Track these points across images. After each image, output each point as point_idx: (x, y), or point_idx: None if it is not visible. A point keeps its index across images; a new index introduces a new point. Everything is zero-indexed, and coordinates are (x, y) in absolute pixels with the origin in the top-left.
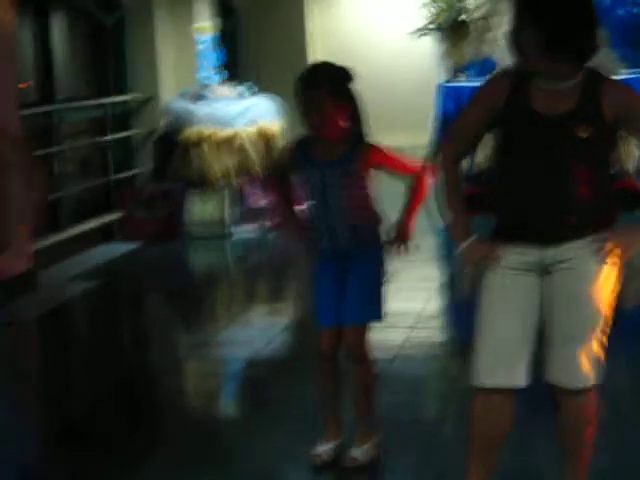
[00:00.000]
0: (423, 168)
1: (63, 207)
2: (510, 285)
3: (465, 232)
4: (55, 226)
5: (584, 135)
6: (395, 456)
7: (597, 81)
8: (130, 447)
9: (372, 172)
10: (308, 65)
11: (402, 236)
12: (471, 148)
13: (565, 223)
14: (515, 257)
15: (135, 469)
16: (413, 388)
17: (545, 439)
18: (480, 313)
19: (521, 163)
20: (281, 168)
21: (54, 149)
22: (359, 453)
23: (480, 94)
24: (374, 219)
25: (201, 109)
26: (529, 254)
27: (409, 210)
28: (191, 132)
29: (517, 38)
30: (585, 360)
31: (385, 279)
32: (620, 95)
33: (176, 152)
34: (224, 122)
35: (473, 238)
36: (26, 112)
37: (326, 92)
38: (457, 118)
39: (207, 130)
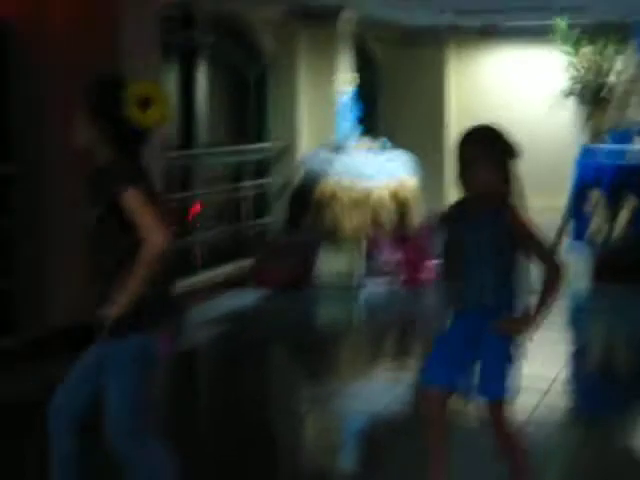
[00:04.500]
0: (559, 264)
1: (198, 251)
2: None
3: None
4: (189, 270)
5: None
6: None
7: None
8: None
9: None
10: (474, 125)
11: (523, 324)
12: None
13: None
14: None
15: None
16: (542, 455)
17: None
18: None
19: None
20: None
21: (193, 193)
22: None
23: None
24: (513, 287)
25: (339, 162)
26: None
27: (540, 304)
28: (328, 183)
29: None
30: None
31: (517, 352)
32: None
33: (311, 205)
34: (362, 175)
35: None
36: (169, 155)
37: (495, 149)
38: None
39: (344, 182)
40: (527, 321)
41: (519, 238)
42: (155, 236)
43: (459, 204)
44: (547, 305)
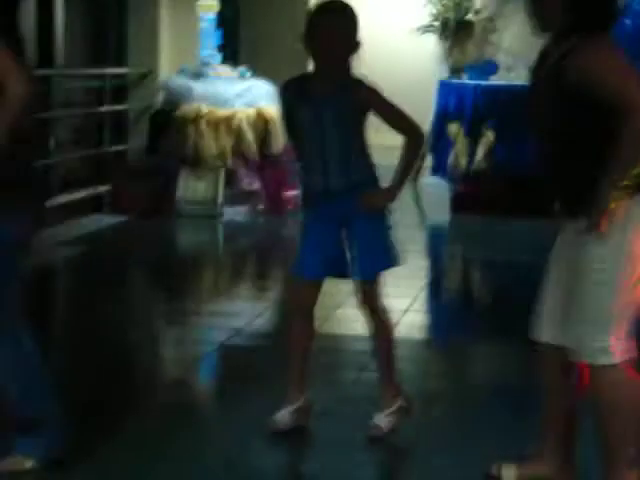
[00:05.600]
0: (421, 131)
1: (54, 174)
2: None
3: None
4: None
5: None
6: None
7: None
8: (107, 416)
9: (368, 115)
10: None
11: (385, 197)
12: None
13: None
14: None
15: (110, 438)
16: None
17: None
18: None
19: None
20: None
21: (49, 115)
22: (383, 421)
23: None
24: (369, 162)
25: (200, 87)
26: None
27: (400, 172)
28: (188, 109)
29: None
30: None
31: (391, 223)
32: None
33: (172, 128)
34: (222, 101)
35: None
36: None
37: (346, 21)
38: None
39: (205, 108)
40: (388, 193)
41: (377, 111)
42: (15, 81)
43: (301, 78)
44: (406, 173)
